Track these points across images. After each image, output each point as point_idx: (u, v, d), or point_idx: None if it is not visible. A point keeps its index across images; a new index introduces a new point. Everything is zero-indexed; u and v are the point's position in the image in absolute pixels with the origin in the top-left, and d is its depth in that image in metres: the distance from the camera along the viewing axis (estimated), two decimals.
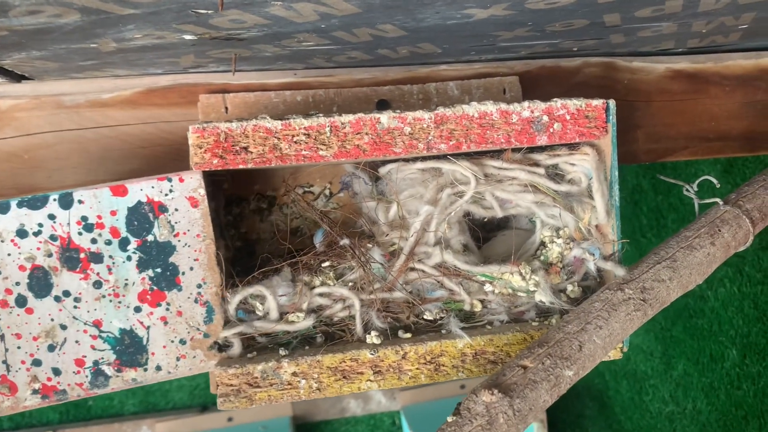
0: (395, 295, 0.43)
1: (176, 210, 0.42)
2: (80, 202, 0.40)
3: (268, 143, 0.40)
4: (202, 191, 0.42)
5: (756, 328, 1.03)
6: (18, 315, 0.40)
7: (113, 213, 0.41)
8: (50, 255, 0.40)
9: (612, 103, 0.44)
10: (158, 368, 0.42)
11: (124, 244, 0.41)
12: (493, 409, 0.35)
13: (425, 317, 0.44)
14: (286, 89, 0.53)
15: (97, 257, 0.41)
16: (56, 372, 0.41)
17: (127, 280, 0.41)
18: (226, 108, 0.50)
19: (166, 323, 0.42)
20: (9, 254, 0.40)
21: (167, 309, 0.42)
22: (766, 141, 0.62)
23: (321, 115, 0.41)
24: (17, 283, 0.40)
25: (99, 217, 0.41)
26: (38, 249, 0.40)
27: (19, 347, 0.40)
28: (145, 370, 0.42)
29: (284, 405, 1.37)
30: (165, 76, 0.53)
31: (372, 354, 0.41)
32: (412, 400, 1.38)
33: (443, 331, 0.43)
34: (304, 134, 0.40)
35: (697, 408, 1.15)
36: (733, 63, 0.62)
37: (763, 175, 0.47)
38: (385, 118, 0.41)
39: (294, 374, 0.41)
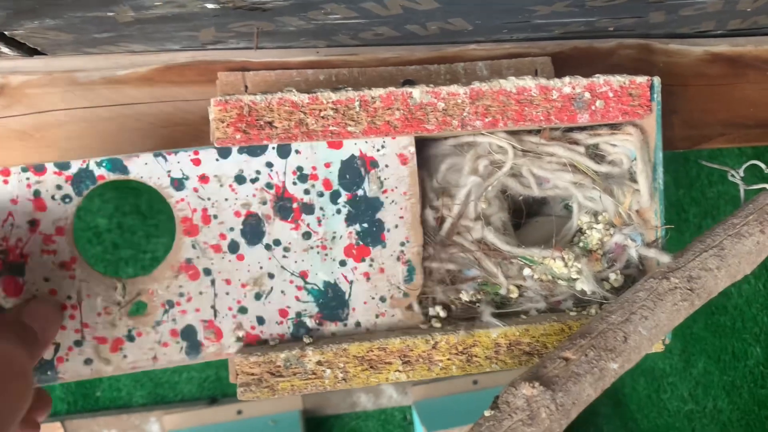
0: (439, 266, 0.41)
1: (386, 166, 0.41)
2: (297, 152, 0.40)
3: (294, 118, 0.38)
4: (412, 149, 0.41)
5: None
6: (229, 261, 0.40)
7: (327, 165, 0.40)
8: (265, 203, 0.40)
9: (657, 80, 0.42)
10: (357, 324, 0.42)
11: (335, 197, 0.41)
12: (535, 403, 0.33)
13: (462, 297, 0.41)
14: (308, 68, 0.51)
15: (308, 208, 0.41)
16: (260, 321, 0.40)
17: (335, 233, 0.41)
18: (246, 86, 0.48)
19: (368, 279, 0.41)
20: (226, 199, 0.40)
21: (370, 265, 0.41)
22: None
23: (350, 89, 0.39)
24: (231, 229, 0.40)
25: (314, 168, 0.40)
26: (254, 196, 0.40)
27: (227, 293, 0.40)
28: (345, 325, 0.41)
29: (294, 398, 1.35)
30: (183, 53, 0.51)
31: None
32: (423, 395, 1.36)
33: (478, 318, 0.41)
34: (332, 109, 0.38)
35: (717, 407, 1.12)
36: None
37: None
38: (418, 92, 0.39)
39: (319, 363, 0.39)
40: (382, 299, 0.42)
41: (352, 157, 0.41)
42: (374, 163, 0.41)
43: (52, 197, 0.39)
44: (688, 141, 0.58)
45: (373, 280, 0.41)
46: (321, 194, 0.41)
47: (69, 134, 0.50)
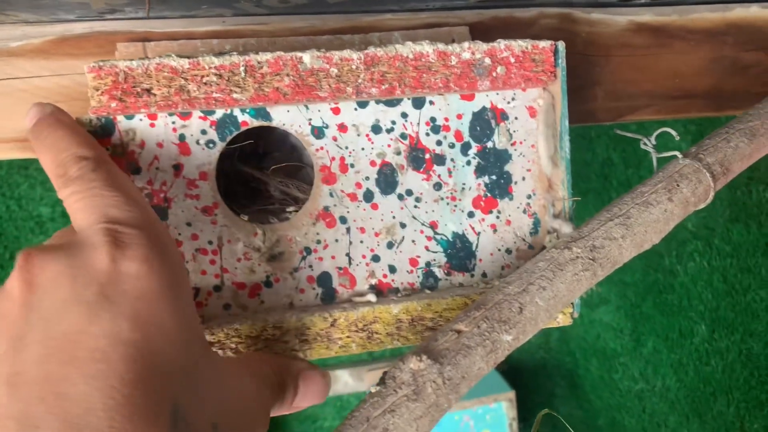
0: None
1: (516, 119, 0.41)
2: (431, 103, 0.40)
3: (174, 84, 0.36)
4: (541, 101, 0.41)
5: (725, 302, 1.01)
6: (364, 210, 0.40)
7: (459, 117, 0.40)
8: (399, 153, 0.40)
9: (561, 44, 0.40)
10: (484, 275, 0.42)
11: (465, 148, 0.41)
12: (421, 378, 0.31)
13: None
14: (213, 38, 0.48)
15: (440, 159, 0.40)
16: (392, 269, 0.40)
17: (464, 184, 0.41)
18: (147, 58, 0.46)
19: (495, 231, 0.41)
20: (363, 149, 0.39)
21: (497, 217, 0.41)
22: (732, 100, 0.59)
23: (235, 53, 0.37)
24: (367, 178, 0.40)
25: (446, 119, 0.40)
26: (389, 146, 0.40)
27: (361, 241, 0.40)
28: (472, 276, 0.41)
29: None
30: (80, 23, 0.49)
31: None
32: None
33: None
34: (216, 74, 0.36)
35: (666, 385, 1.13)
36: (699, 16, 0.58)
37: (726, 128, 0.44)
38: (308, 57, 0.37)
39: (210, 344, 0.37)
40: (508, 251, 0.42)
41: (483, 109, 0.41)
42: (504, 116, 0.41)
43: (197, 142, 0.38)
44: (613, 113, 0.57)
45: (500, 232, 0.42)
46: (452, 145, 0.41)
47: None
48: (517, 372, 1.46)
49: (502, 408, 1.42)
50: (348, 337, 0.39)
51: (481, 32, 0.54)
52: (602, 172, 1.16)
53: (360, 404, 0.32)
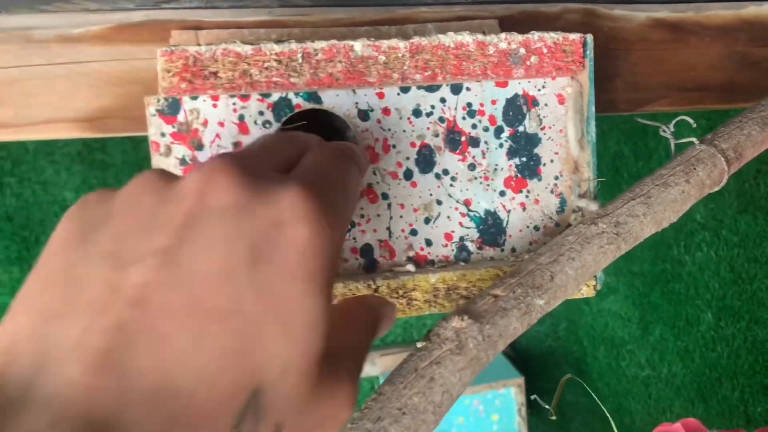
0: None
1: (545, 105, 0.44)
2: (468, 89, 0.43)
3: (238, 69, 0.39)
4: (569, 89, 0.44)
5: (731, 290, 1.04)
6: (404, 187, 0.43)
7: (493, 102, 0.44)
8: (437, 135, 0.43)
9: (590, 37, 0.44)
10: (513, 250, 0.45)
11: (498, 132, 0.44)
12: (463, 334, 0.35)
13: None
14: (260, 27, 0.52)
15: (474, 141, 0.44)
16: (428, 243, 0.44)
17: (497, 165, 0.44)
18: (199, 45, 0.49)
19: (524, 209, 0.45)
20: (404, 131, 0.43)
21: (527, 196, 0.45)
22: (744, 93, 0.62)
23: (293, 41, 0.40)
24: (407, 158, 0.43)
25: (481, 105, 0.43)
26: (428, 129, 0.43)
27: (401, 216, 0.43)
28: (502, 250, 0.45)
29: None
30: (137, 12, 0.52)
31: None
32: (391, 366, 1.39)
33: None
34: (276, 60, 0.40)
35: (672, 371, 1.16)
36: (714, 13, 0.61)
37: (739, 117, 0.47)
38: (359, 45, 0.41)
39: None
40: (536, 228, 0.45)
41: (516, 95, 0.44)
42: (535, 102, 0.44)
43: (255, 122, 0.41)
44: (631, 103, 0.60)
45: (529, 210, 0.45)
46: (486, 129, 0.44)
47: (24, 91, 0.51)
48: (526, 360, 1.50)
49: (511, 393, 1.45)
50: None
51: (510, 25, 0.57)
52: (613, 164, 1.19)
53: (407, 358, 0.36)
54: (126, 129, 0.52)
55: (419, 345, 0.36)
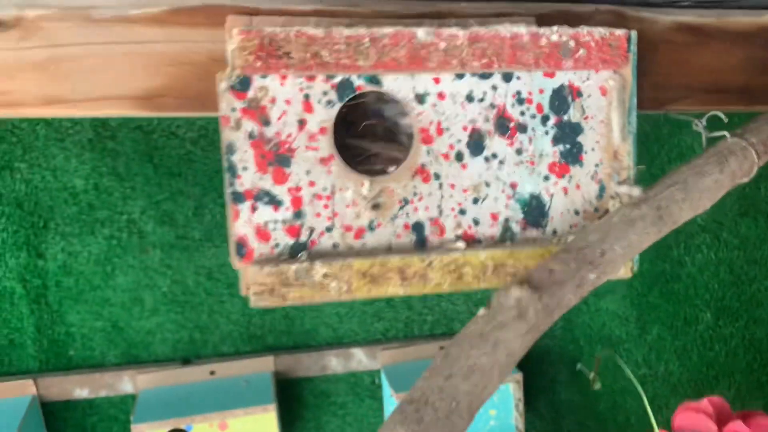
0: None
1: (589, 96, 0.48)
2: (518, 78, 0.46)
3: (310, 50, 0.41)
4: (612, 82, 0.47)
5: (730, 291, 1.08)
6: (455, 168, 0.46)
7: (541, 91, 0.47)
8: (487, 120, 0.46)
9: (634, 33, 0.47)
10: (554, 232, 0.48)
11: (545, 120, 0.47)
12: (524, 303, 0.37)
13: None
14: (311, 16, 0.54)
15: (522, 128, 0.47)
16: (476, 222, 0.47)
17: (542, 151, 0.47)
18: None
19: (566, 194, 0.48)
20: (457, 115, 0.45)
21: (569, 181, 0.48)
22: (761, 96, 0.65)
23: (362, 26, 0.42)
24: (459, 141, 0.46)
25: (530, 93, 0.46)
26: (479, 114, 0.46)
27: (451, 196, 0.46)
28: (544, 232, 0.48)
29: (266, 361, 1.37)
30: None
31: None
32: (392, 360, 1.40)
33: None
34: (345, 44, 0.42)
35: (669, 370, 1.19)
36: (734, 20, 0.65)
37: (767, 115, 0.50)
38: (422, 32, 0.43)
39: (325, 276, 0.43)
40: (576, 212, 0.49)
41: (562, 86, 0.47)
42: (579, 93, 0.48)
43: (319, 101, 0.44)
44: (656, 102, 0.63)
45: (570, 195, 0.48)
46: (534, 116, 0.47)
47: (83, 68, 0.53)
48: (522, 358, 1.52)
49: (509, 389, 1.47)
50: (441, 277, 0.44)
51: (545, 23, 0.60)
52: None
53: (469, 324, 0.38)
54: (179, 109, 0.53)
55: (481, 312, 0.38)
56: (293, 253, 0.44)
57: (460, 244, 0.46)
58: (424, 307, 1.56)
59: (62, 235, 1.39)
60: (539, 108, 0.47)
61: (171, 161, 1.38)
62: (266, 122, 0.43)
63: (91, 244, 1.41)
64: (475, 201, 0.47)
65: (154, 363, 1.42)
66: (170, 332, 1.42)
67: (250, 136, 0.43)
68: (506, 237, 0.47)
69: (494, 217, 0.47)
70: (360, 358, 1.45)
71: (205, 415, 1.27)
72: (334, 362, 1.46)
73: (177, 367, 1.40)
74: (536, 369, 1.55)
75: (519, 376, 1.47)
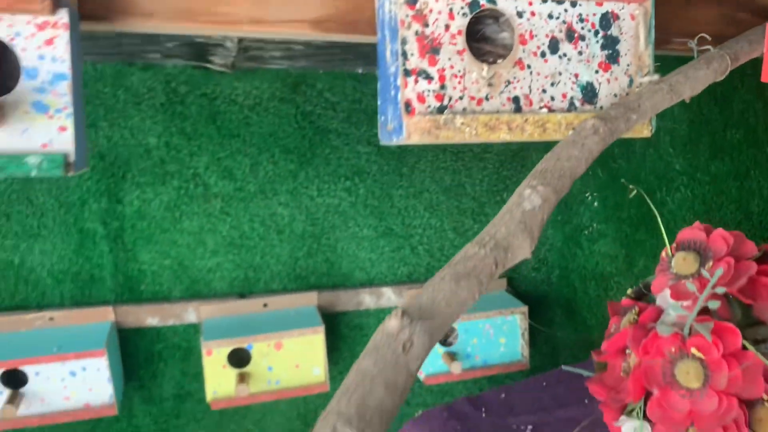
0: None
1: (623, 19, 0.73)
2: (580, 5, 0.72)
3: None
4: (638, 11, 0.72)
5: (703, 218, 1.34)
6: (540, 62, 0.71)
7: (594, 14, 0.72)
8: (561, 31, 0.71)
9: None
10: (601, 108, 0.74)
11: (596, 33, 0.72)
12: (596, 126, 0.62)
13: None
14: None
15: (582, 38, 0.72)
16: (552, 98, 0.72)
17: (594, 54, 0.73)
18: None
19: (609, 83, 0.74)
20: (542, 27, 0.70)
21: (611, 75, 0.74)
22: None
23: None
24: (543, 43, 0.71)
25: (587, 15, 0.72)
26: (556, 27, 0.71)
27: (537, 80, 0.71)
28: (595, 107, 0.73)
29: (311, 296, 1.58)
30: None
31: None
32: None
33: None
34: None
35: None
36: None
37: (738, 37, 0.77)
38: None
39: (462, 123, 0.67)
40: (615, 95, 0.74)
41: (607, 12, 0.73)
42: (617, 17, 0.73)
43: (458, 13, 0.68)
44: (661, 41, 0.89)
45: (612, 84, 0.74)
46: (589, 31, 0.72)
47: None
48: (522, 301, 1.77)
49: (517, 320, 1.72)
50: (533, 129, 0.69)
51: None
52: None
53: (565, 139, 0.62)
54: (341, 31, 0.76)
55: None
56: (439, 112, 0.68)
57: (544, 111, 0.70)
58: (442, 255, 1.83)
59: (137, 184, 1.63)
60: (593, 25, 0.72)
61: (231, 124, 1.63)
62: (426, 24, 0.67)
63: (162, 193, 1.65)
64: (552, 84, 0.71)
65: (213, 297, 1.64)
66: (228, 270, 1.66)
67: (416, 33, 0.67)
68: (571, 110, 0.72)
69: (564, 96, 0.72)
70: (389, 296, 1.69)
71: (265, 334, 1.50)
72: (367, 299, 1.71)
73: (235, 300, 1.62)
74: (535, 312, 1.80)
75: (525, 308, 1.73)
